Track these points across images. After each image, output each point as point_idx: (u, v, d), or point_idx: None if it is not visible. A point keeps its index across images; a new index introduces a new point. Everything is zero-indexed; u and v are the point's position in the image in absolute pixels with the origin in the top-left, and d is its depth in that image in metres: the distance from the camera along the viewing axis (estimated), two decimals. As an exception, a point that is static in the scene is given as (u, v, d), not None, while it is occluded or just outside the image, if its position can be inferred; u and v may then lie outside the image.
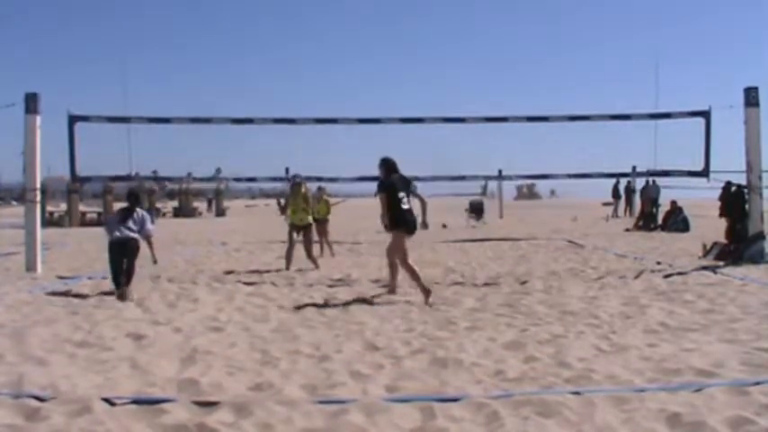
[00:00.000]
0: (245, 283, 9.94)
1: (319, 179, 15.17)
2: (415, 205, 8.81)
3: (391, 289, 8.97)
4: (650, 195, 25.40)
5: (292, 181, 12.43)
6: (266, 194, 74.79)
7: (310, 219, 12.27)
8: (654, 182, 25.31)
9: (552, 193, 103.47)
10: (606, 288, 9.23)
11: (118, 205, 34.47)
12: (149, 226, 9.39)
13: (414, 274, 8.52)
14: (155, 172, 15.67)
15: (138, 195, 9.84)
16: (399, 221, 8.59)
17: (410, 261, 8.58)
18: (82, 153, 12.33)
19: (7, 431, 3.87)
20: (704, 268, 11.09)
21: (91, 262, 13.31)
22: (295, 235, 12.09)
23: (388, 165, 8.89)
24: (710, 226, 18.01)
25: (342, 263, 13.05)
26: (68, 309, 7.82)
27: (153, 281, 10.12)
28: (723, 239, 12.69)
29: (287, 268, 11.80)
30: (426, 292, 8.35)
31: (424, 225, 8.99)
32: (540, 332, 6.41)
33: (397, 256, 8.74)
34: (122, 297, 8.52)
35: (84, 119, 12.37)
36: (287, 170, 23.92)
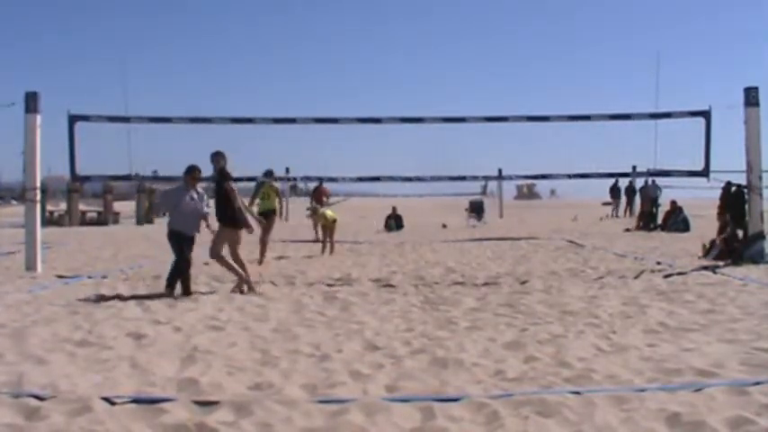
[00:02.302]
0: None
1: (320, 179, 15.20)
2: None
3: (249, 286, 9.06)
4: (650, 195, 25.39)
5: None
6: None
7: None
8: (654, 182, 25.30)
9: (552, 192, 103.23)
10: (606, 288, 9.23)
11: (118, 205, 34.43)
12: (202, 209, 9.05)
13: (233, 269, 9.03)
14: (155, 172, 15.64)
15: (190, 168, 9.19)
16: (240, 216, 9.07)
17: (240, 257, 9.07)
18: (82, 153, 12.32)
19: (7, 431, 3.87)
20: (704, 268, 11.09)
21: (91, 261, 13.32)
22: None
23: (225, 157, 9.17)
24: (710, 226, 17.95)
25: (342, 263, 13.05)
26: (68, 308, 7.82)
27: (153, 280, 10.12)
28: (718, 237, 12.72)
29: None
30: (249, 286, 8.97)
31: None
32: (540, 332, 6.41)
33: (220, 250, 9.11)
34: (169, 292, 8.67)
35: (85, 118, 12.36)
36: (287, 170, 23.90)
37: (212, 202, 9.28)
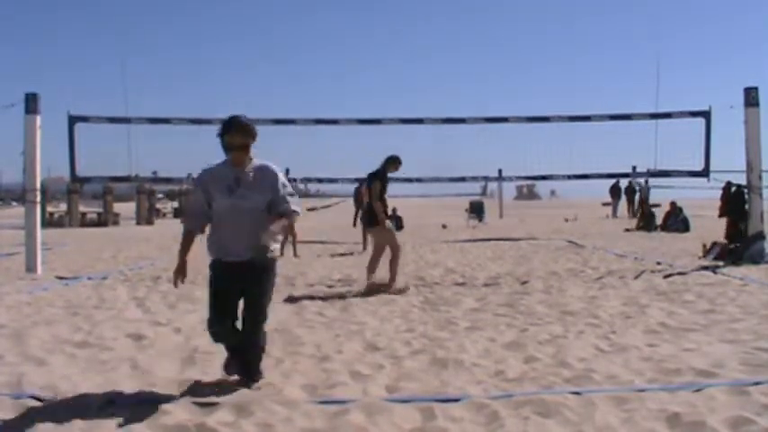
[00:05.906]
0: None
1: (320, 180, 15.15)
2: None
3: None
4: (643, 196, 25.48)
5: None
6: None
7: None
8: (646, 182, 25.33)
9: (552, 193, 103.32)
10: (606, 288, 9.23)
11: (118, 206, 34.47)
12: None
13: None
14: (155, 173, 15.65)
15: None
16: None
17: None
18: (82, 154, 12.33)
19: (7, 431, 3.87)
20: (704, 268, 11.08)
21: (91, 262, 13.31)
22: None
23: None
24: (710, 226, 18.01)
25: (342, 263, 13.05)
26: (68, 309, 7.82)
27: (153, 281, 10.13)
28: (723, 239, 12.69)
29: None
30: None
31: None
32: (540, 332, 6.40)
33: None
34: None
35: (85, 119, 12.37)
36: (287, 171, 23.94)
37: None
